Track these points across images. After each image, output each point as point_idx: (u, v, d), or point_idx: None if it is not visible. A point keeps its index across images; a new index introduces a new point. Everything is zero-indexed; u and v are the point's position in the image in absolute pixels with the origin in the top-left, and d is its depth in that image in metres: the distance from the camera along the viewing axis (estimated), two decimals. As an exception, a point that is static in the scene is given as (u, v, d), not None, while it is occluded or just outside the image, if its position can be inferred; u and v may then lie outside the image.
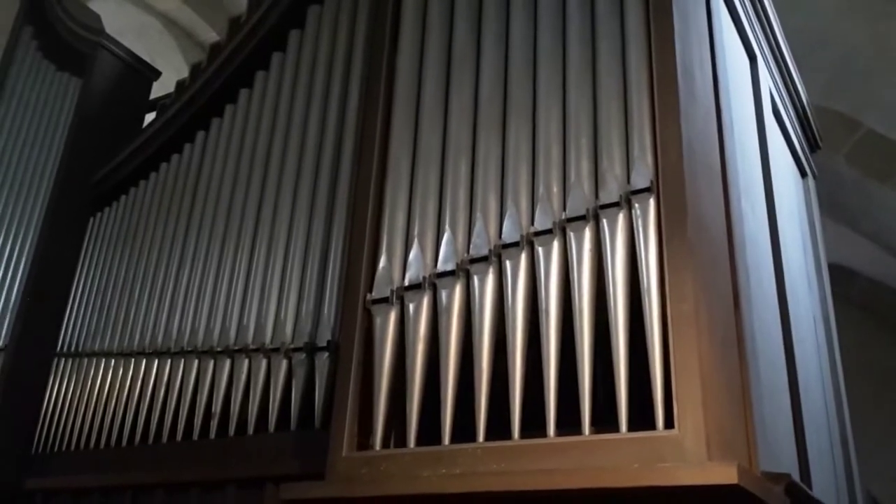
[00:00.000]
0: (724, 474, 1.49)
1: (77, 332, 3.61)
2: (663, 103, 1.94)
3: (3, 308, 3.79)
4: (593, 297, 1.87)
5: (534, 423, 1.88)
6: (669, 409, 1.67)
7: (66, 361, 3.57)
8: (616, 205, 1.90)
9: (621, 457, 1.67)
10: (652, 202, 1.86)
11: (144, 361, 3.14)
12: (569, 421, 1.83)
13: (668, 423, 1.66)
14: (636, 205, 1.88)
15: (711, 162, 2.10)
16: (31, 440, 3.51)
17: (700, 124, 2.05)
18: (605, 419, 1.81)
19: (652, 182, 1.87)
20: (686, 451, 1.60)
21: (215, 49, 3.82)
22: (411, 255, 2.29)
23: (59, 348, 3.65)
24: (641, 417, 1.74)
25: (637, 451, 1.66)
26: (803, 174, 3.37)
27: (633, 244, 1.85)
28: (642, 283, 1.79)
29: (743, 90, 2.59)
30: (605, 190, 1.95)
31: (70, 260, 3.82)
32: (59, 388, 3.52)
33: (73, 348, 3.58)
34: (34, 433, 3.52)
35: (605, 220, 1.90)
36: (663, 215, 1.82)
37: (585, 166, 2.02)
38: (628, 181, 1.92)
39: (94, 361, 3.40)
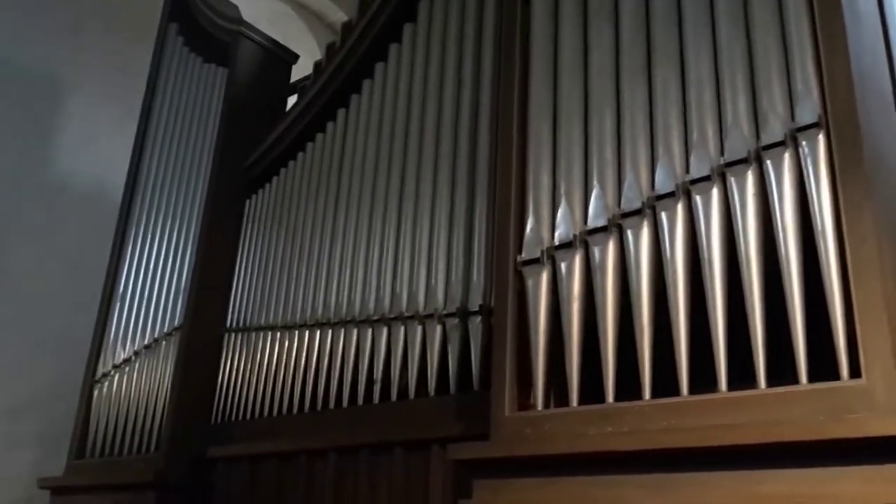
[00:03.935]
0: (923, 424, 1.39)
1: (243, 308, 3.82)
2: (827, 29, 1.80)
3: (175, 291, 4.06)
4: (761, 244, 1.77)
5: (700, 379, 1.82)
6: (854, 358, 1.56)
7: (235, 336, 3.79)
8: (781, 144, 1.79)
9: (802, 410, 1.59)
10: (821, 138, 1.73)
11: (307, 333, 3.29)
12: (739, 375, 1.76)
13: (854, 373, 1.56)
14: (803, 142, 1.75)
15: (883, 89, 1.93)
16: (210, 411, 3.76)
17: (868, 49, 1.89)
18: (777, 372, 1.73)
19: (820, 116, 1.74)
20: (876, 402, 1.50)
21: (347, 28, 3.89)
22: (559, 214, 2.26)
23: (228, 324, 3.88)
24: (820, 368, 1.64)
25: (820, 404, 1.57)
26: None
27: (803, 185, 1.74)
28: (815, 225, 1.68)
29: (908, 8, 2.36)
30: (766, 129, 1.83)
31: (232, 242, 4.03)
32: (231, 361, 3.74)
33: (240, 324, 3.80)
34: (212, 404, 3.76)
35: (768, 162, 1.80)
36: (835, 151, 1.70)
37: (743, 106, 1.91)
38: (792, 118, 1.80)
39: (261, 335, 3.59)
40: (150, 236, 4.47)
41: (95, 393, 4.34)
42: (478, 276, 2.72)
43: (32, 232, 5.10)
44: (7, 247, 4.97)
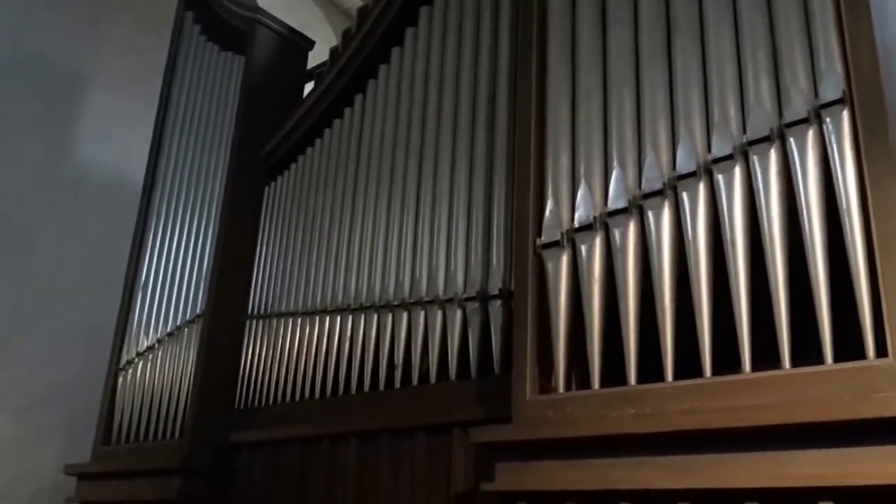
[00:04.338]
0: (952, 403, 1.37)
1: (264, 295, 3.84)
2: (851, 3, 1.76)
3: (197, 278, 4.09)
4: (785, 223, 1.75)
5: (724, 361, 1.80)
6: (881, 337, 1.54)
7: (256, 323, 3.81)
8: (804, 121, 1.76)
9: (828, 389, 1.57)
10: (846, 114, 1.70)
11: (328, 319, 3.30)
12: (762, 356, 1.75)
13: (881, 352, 1.54)
14: (827, 119, 1.73)
15: (909, 63, 1.89)
16: (233, 397, 3.78)
17: (893, 22, 1.85)
18: (801, 352, 1.71)
19: (844, 92, 1.72)
20: (903, 381, 1.48)
21: (363, 13, 3.87)
22: (579, 196, 2.24)
23: (249, 311, 3.90)
24: (846, 348, 1.62)
25: (846, 383, 1.55)
26: None
27: (827, 162, 1.71)
28: (840, 203, 1.66)
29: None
30: (789, 107, 1.80)
31: (252, 229, 4.05)
32: (253, 348, 3.77)
33: (262, 311, 3.82)
34: (235, 391, 3.79)
35: (792, 140, 1.77)
36: (860, 127, 1.67)
37: (765, 83, 1.88)
38: (816, 95, 1.77)
39: (283, 321, 3.61)
40: (170, 225, 4.49)
41: (120, 380, 4.39)
42: (497, 259, 2.71)
43: (54, 223, 5.15)
44: (29, 238, 5.01)
